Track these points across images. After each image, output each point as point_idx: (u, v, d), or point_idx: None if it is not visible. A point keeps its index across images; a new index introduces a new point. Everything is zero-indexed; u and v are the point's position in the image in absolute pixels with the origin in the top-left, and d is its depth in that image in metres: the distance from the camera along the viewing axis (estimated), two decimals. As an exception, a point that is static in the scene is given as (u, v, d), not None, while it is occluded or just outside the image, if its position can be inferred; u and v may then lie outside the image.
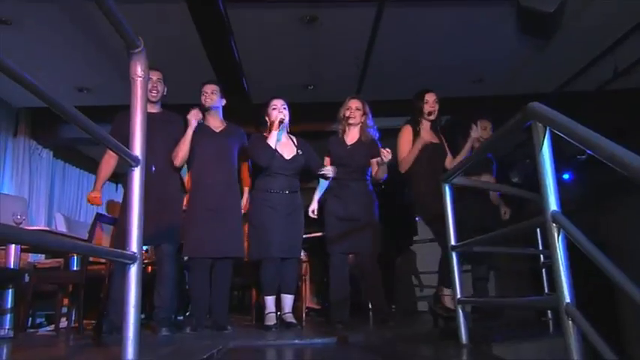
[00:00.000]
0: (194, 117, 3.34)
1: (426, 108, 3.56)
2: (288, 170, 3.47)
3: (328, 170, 3.45)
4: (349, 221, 3.48)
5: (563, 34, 4.26)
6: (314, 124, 5.46)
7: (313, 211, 3.59)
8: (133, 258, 1.40)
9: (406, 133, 3.56)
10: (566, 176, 6.86)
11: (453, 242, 2.43)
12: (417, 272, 5.87)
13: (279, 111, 3.48)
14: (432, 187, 3.38)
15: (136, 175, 1.47)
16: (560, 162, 5.74)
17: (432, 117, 3.58)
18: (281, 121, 3.42)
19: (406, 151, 3.49)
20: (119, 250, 1.41)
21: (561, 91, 5.55)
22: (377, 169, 3.53)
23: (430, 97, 3.58)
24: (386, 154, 3.30)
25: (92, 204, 3.24)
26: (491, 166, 4.01)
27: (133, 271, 1.40)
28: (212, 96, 3.50)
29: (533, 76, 5.28)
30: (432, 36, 4.47)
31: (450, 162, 3.59)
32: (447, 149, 3.66)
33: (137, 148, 1.49)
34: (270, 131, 3.44)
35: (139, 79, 1.54)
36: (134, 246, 1.41)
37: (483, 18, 4.20)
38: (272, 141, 3.40)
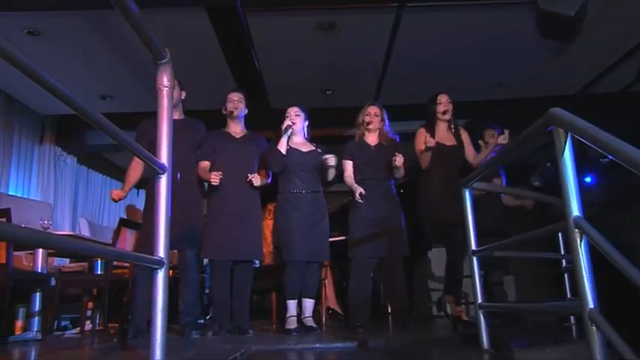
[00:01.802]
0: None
1: (440, 108, 3.63)
2: (306, 165, 3.50)
3: (332, 158, 3.46)
4: (378, 224, 3.45)
5: (585, 37, 4.22)
6: (333, 128, 5.50)
7: (361, 194, 3.37)
8: (160, 263, 1.43)
9: (420, 135, 3.66)
10: (588, 179, 6.77)
11: (473, 247, 2.42)
12: (434, 277, 5.84)
13: (290, 118, 3.54)
14: (444, 192, 3.42)
15: (163, 182, 1.50)
16: (583, 165, 5.68)
17: (447, 116, 3.65)
18: (287, 127, 3.47)
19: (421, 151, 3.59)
20: (147, 256, 1.45)
21: (584, 94, 5.49)
22: (395, 170, 3.55)
23: (443, 98, 3.66)
24: (398, 160, 3.38)
25: (112, 198, 3.32)
26: (499, 170, 4.03)
27: (160, 276, 1.42)
28: (239, 104, 3.56)
29: (555, 79, 5.23)
30: (450, 40, 4.47)
31: (473, 157, 3.67)
32: (470, 147, 3.71)
33: (164, 156, 1.52)
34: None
35: (165, 88, 1.57)
36: (161, 251, 1.44)
37: (503, 21, 4.19)
38: (281, 146, 3.45)
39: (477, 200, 3.64)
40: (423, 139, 3.59)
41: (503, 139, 3.51)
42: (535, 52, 4.66)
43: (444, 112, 3.63)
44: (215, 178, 3.27)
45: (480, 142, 3.86)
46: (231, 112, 3.54)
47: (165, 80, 1.59)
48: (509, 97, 5.68)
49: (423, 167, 3.60)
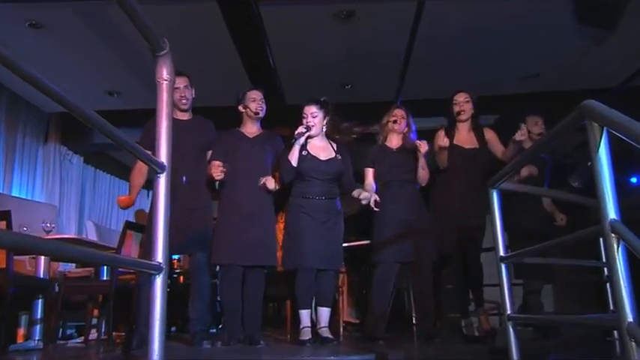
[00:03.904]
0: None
1: (455, 108, 3.67)
2: (323, 174, 3.46)
3: (366, 197, 3.36)
4: (403, 226, 3.46)
5: (627, 23, 4.11)
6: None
7: (376, 201, 3.37)
8: (158, 269, 1.43)
9: (438, 138, 3.68)
10: (634, 180, 6.60)
11: (502, 253, 2.37)
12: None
13: (306, 121, 3.50)
14: (462, 200, 3.40)
15: (162, 182, 1.50)
16: (628, 164, 5.54)
17: (464, 117, 3.67)
18: (299, 135, 3.41)
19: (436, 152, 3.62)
20: (144, 261, 1.45)
21: (627, 86, 5.35)
22: (419, 170, 3.56)
23: (460, 97, 3.69)
24: (423, 146, 3.42)
25: (120, 206, 3.35)
26: (545, 168, 3.93)
27: (159, 282, 1.43)
28: (263, 104, 3.58)
29: (595, 70, 5.11)
30: (479, 28, 4.38)
31: (501, 154, 3.63)
32: (498, 145, 3.68)
33: (163, 155, 1.52)
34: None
35: (165, 82, 1.58)
36: (160, 256, 1.44)
37: (537, 6, 4.09)
38: (292, 157, 3.40)
39: (516, 199, 3.63)
40: (439, 142, 3.63)
41: (520, 135, 3.40)
42: (573, 41, 4.56)
43: (459, 113, 3.66)
44: (217, 171, 3.26)
45: None
46: (257, 113, 3.55)
47: (164, 73, 1.60)
48: (544, 90, 5.56)
49: (440, 167, 3.62)
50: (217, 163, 3.31)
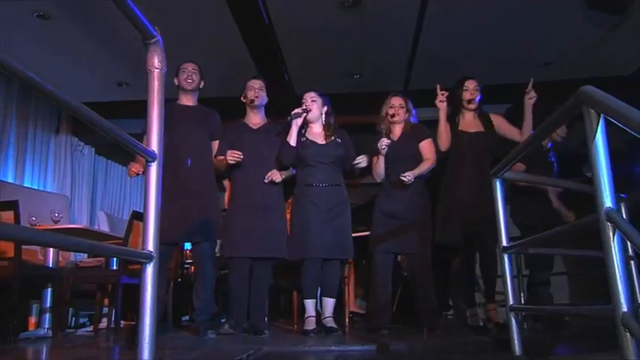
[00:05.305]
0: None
1: (466, 95, 3.58)
2: (325, 157, 3.49)
3: (362, 159, 3.48)
4: (398, 219, 3.47)
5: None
6: (362, 115, 5.42)
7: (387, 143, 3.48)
8: (149, 257, 1.43)
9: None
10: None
11: (504, 243, 2.34)
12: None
13: (305, 104, 3.52)
14: (470, 187, 3.36)
15: (153, 171, 1.50)
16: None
17: (472, 105, 3.60)
18: (295, 115, 3.44)
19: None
20: (135, 250, 1.46)
21: (640, 74, 5.24)
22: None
23: (471, 84, 3.60)
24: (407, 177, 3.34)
25: (130, 173, 3.36)
26: (552, 168, 3.88)
27: (150, 271, 1.43)
28: (260, 92, 3.58)
29: (609, 57, 4.99)
30: (489, 16, 4.31)
31: (519, 134, 3.55)
32: (511, 129, 3.62)
33: (154, 143, 1.52)
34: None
35: (156, 70, 1.58)
36: (150, 245, 1.45)
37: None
38: (290, 138, 3.45)
39: (527, 192, 3.58)
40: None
41: (531, 97, 3.47)
42: (585, 28, 4.46)
43: (470, 101, 3.58)
44: (232, 157, 3.29)
45: None
46: (252, 101, 3.55)
47: (155, 61, 1.59)
48: (558, 79, 5.45)
49: (442, 149, 3.57)
50: (232, 151, 3.34)
